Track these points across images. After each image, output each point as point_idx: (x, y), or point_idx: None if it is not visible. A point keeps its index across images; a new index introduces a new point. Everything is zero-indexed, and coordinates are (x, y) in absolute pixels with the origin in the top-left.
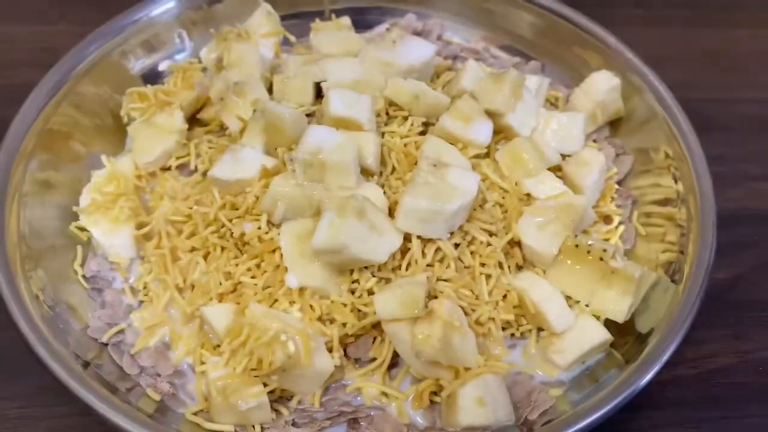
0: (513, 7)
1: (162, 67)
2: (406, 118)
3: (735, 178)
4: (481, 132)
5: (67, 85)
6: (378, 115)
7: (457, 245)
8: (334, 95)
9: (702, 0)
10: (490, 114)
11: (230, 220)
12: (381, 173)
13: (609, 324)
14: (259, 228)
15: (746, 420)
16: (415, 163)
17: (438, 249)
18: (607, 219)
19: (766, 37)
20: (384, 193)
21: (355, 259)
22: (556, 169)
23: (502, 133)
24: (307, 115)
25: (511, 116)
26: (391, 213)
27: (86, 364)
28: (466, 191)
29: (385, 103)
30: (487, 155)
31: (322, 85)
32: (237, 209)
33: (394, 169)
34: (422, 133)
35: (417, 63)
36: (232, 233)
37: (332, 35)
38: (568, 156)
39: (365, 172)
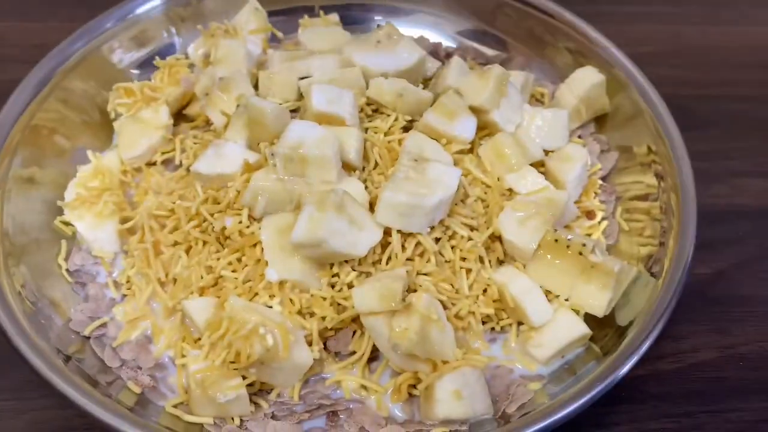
0: (498, 2)
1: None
2: (389, 115)
3: (719, 175)
4: (465, 128)
5: (53, 81)
6: (361, 110)
7: (437, 239)
8: (316, 90)
9: None
10: (475, 110)
11: (212, 215)
12: (363, 168)
13: (589, 318)
14: (240, 222)
15: (727, 414)
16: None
17: (418, 243)
18: (590, 214)
19: (752, 33)
20: (366, 188)
21: (335, 253)
22: (539, 165)
23: (486, 129)
24: (292, 111)
25: (496, 112)
26: (372, 208)
27: (68, 358)
28: (446, 186)
29: (368, 101)
30: (470, 151)
31: (302, 82)
32: (219, 203)
33: (376, 164)
34: (406, 129)
35: (403, 68)
36: (214, 228)
37: (320, 32)
38: (552, 152)
39: (347, 167)
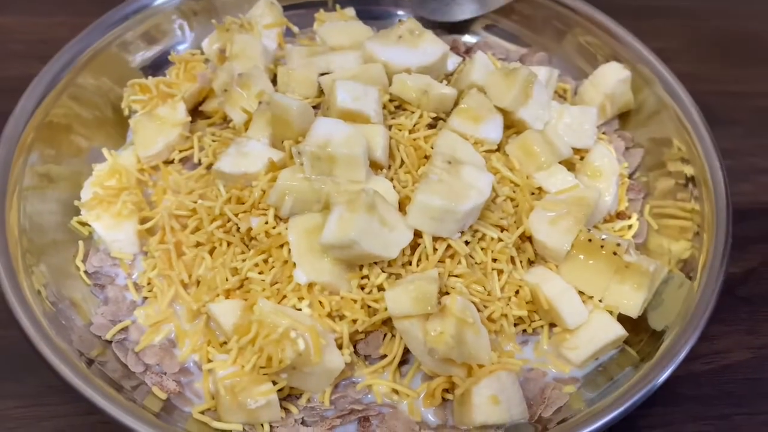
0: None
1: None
2: (413, 112)
3: (744, 172)
4: (492, 130)
5: (66, 77)
6: (384, 107)
7: (467, 242)
8: (340, 87)
9: None
10: (501, 109)
11: (236, 215)
12: (390, 167)
13: (622, 319)
14: (267, 222)
15: (761, 416)
16: (425, 157)
17: (449, 246)
18: (621, 214)
19: None
20: (393, 187)
21: (366, 254)
22: (567, 163)
23: (513, 128)
24: (313, 107)
25: (523, 111)
26: (401, 207)
27: (90, 362)
28: (479, 192)
29: (391, 97)
30: (497, 149)
31: (323, 78)
32: (243, 203)
33: (402, 162)
34: (431, 126)
35: (426, 63)
36: (239, 228)
37: (339, 26)
38: (580, 153)
39: (374, 166)
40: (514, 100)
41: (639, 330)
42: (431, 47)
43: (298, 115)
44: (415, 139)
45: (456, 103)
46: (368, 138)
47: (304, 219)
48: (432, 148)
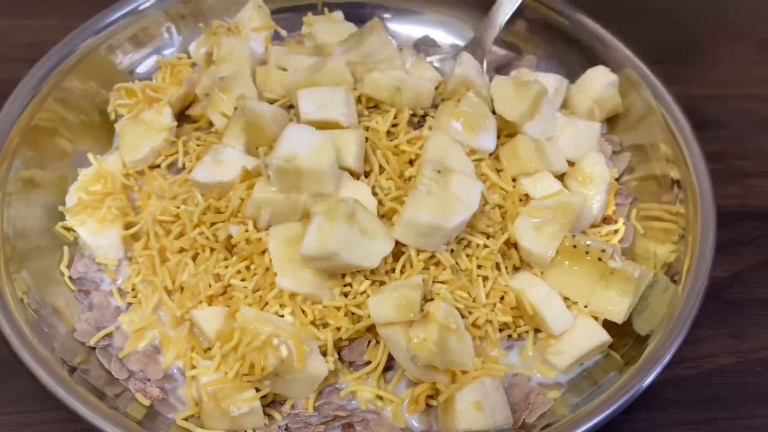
0: None
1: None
2: (387, 110)
3: (732, 176)
4: (488, 140)
5: (52, 81)
6: (359, 101)
7: (452, 251)
8: (303, 97)
9: None
10: (505, 121)
11: (214, 224)
12: (369, 173)
13: (607, 324)
14: (246, 231)
15: (746, 421)
16: (409, 162)
17: (433, 255)
18: (607, 219)
19: (761, 30)
20: (376, 194)
21: (346, 265)
22: (560, 177)
23: (509, 134)
24: (291, 107)
25: (528, 125)
26: (384, 216)
27: (73, 369)
28: (468, 205)
29: (364, 98)
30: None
31: (286, 83)
32: (221, 213)
33: (382, 169)
34: (418, 125)
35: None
36: (218, 239)
37: (333, 26)
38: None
39: (353, 172)
40: (522, 116)
41: (624, 334)
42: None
43: (271, 121)
44: (396, 146)
45: (443, 99)
46: (340, 145)
47: (284, 229)
48: (419, 149)
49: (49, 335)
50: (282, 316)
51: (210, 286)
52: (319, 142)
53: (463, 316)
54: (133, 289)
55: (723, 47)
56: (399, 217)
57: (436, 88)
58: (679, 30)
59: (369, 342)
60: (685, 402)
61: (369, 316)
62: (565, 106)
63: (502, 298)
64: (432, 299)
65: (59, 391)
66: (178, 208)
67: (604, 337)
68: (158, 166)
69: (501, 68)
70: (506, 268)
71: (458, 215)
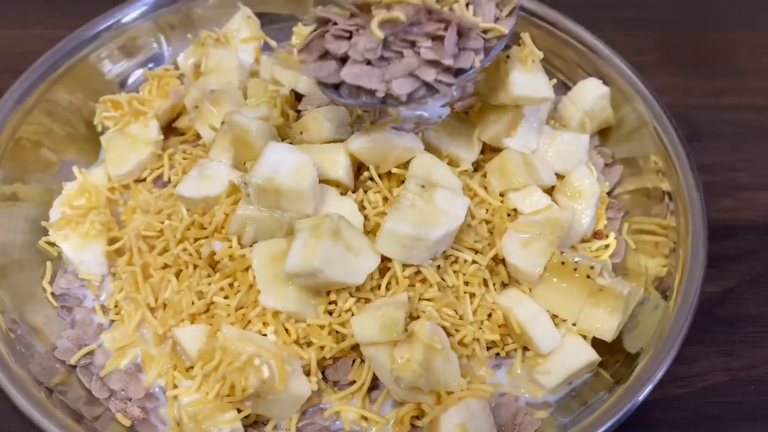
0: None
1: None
2: None
3: (726, 188)
4: (465, 149)
5: (38, 92)
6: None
7: (438, 266)
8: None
9: (691, 2)
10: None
11: (197, 240)
12: (357, 189)
13: (597, 342)
14: (230, 247)
15: None
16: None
17: (419, 270)
18: (597, 234)
19: (758, 41)
20: (364, 209)
21: (331, 282)
22: (549, 191)
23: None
24: None
25: (508, 141)
26: (370, 231)
27: (50, 391)
28: (453, 218)
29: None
30: (476, 169)
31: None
32: (204, 228)
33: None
34: None
35: None
36: (201, 256)
37: None
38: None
39: (341, 186)
40: (499, 134)
41: (613, 352)
42: None
43: (258, 135)
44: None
45: None
46: (328, 158)
47: (268, 245)
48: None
49: (25, 355)
50: (265, 335)
51: (193, 303)
52: (300, 161)
53: (449, 334)
54: (116, 306)
55: (718, 57)
56: (380, 229)
57: None
58: (673, 40)
59: (354, 361)
60: (677, 421)
61: (353, 335)
62: (555, 118)
63: (489, 315)
64: (418, 317)
65: (35, 414)
66: (162, 223)
67: (592, 356)
68: (144, 180)
69: None
70: (494, 284)
71: (442, 227)
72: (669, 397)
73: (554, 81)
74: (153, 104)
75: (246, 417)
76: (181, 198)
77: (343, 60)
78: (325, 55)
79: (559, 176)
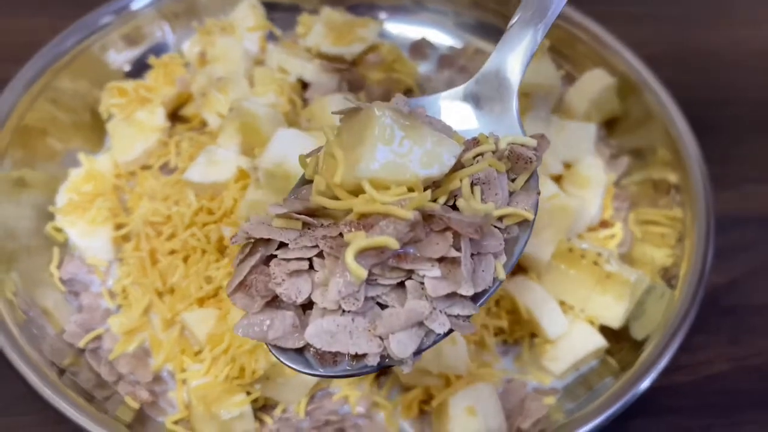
0: (504, 2)
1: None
2: None
3: (731, 181)
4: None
5: (43, 80)
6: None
7: None
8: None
9: None
10: None
11: (206, 225)
12: None
13: (604, 329)
14: None
15: (743, 428)
16: None
17: None
18: (604, 223)
19: (760, 36)
20: None
21: None
22: (557, 179)
23: None
24: None
25: None
26: None
27: (62, 372)
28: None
29: None
30: None
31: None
32: (213, 214)
33: None
34: None
35: None
36: (209, 241)
37: (326, 27)
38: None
39: None
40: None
41: (620, 339)
42: None
43: (266, 122)
44: None
45: None
46: None
47: None
48: None
49: (38, 337)
50: None
51: (201, 288)
52: (309, 146)
53: None
54: (123, 291)
55: (723, 51)
56: None
57: None
58: (680, 34)
59: None
60: (681, 408)
61: None
62: (561, 109)
63: (497, 302)
64: None
65: (48, 392)
66: (170, 209)
67: (600, 342)
68: (150, 167)
69: None
70: None
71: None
72: (674, 385)
73: (563, 72)
74: (159, 92)
75: (254, 401)
76: (190, 184)
77: (304, 306)
78: (274, 300)
79: (567, 165)
